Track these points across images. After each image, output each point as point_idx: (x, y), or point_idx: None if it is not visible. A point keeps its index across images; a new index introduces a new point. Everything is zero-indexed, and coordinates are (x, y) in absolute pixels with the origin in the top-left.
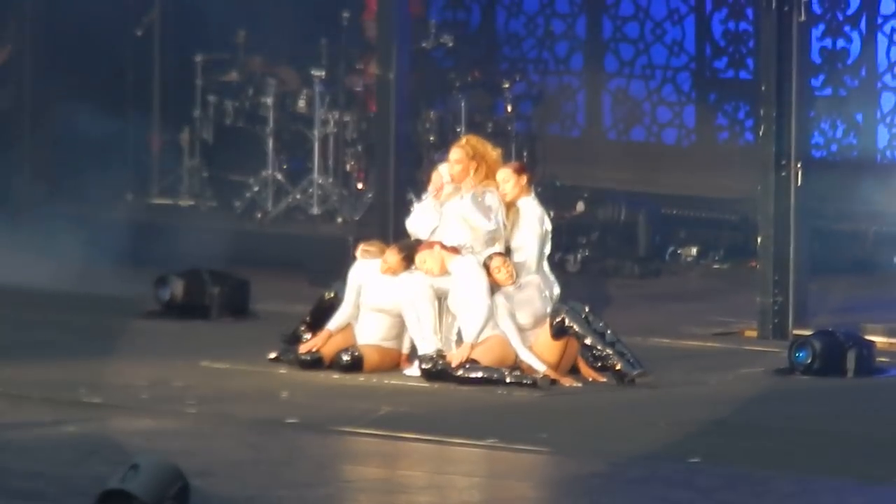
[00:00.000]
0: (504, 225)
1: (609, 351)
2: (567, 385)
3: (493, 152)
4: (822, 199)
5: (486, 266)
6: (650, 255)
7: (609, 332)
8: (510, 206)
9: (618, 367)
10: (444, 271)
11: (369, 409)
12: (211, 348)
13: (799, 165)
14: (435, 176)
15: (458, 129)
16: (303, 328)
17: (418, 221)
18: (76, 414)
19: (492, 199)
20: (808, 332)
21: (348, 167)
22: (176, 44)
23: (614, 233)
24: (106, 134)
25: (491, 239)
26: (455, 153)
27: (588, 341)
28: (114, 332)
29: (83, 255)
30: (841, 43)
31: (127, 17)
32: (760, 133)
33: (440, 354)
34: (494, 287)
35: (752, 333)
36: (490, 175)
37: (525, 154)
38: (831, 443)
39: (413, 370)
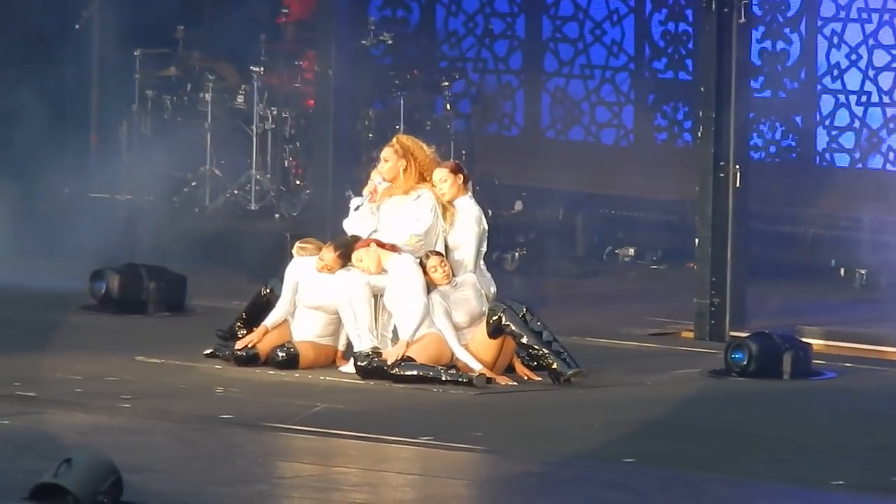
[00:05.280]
0: (442, 226)
1: (545, 350)
2: (503, 384)
3: (426, 150)
4: (761, 202)
5: (423, 265)
6: (588, 256)
7: (546, 331)
8: (447, 206)
9: (554, 366)
10: (381, 269)
11: (304, 405)
12: (147, 343)
13: (737, 167)
14: (373, 175)
15: (397, 127)
16: (239, 324)
17: (356, 225)
18: (10, 408)
19: (426, 200)
20: (744, 334)
21: (286, 163)
22: (115, 38)
23: (552, 232)
24: (44, 127)
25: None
26: (385, 152)
27: (524, 340)
28: (49, 327)
29: (19, 248)
30: (781, 45)
31: (65, 11)
32: (699, 134)
33: (376, 352)
34: (431, 285)
35: (689, 335)
36: (423, 174)
37: (464, 153)
38: (767, 446)
39: (349, 367)
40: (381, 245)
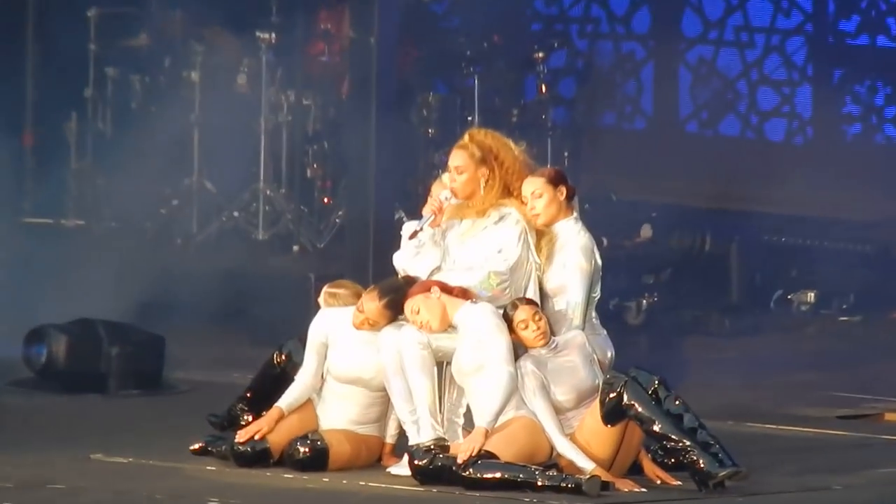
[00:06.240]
0: (535, 261)
1: (687, 441)
2: (625, 490)
3: (514, 151)
4: None
5: (508, 318)
6: (748, 303)
7: (688, 414)
8: (543, 232)
9: (700, 464)
10: (447, 325)
11: None
12: (107, 435)
13: None
14: (435, 189)
15: (470, 119)
16: (242, 406)
17: (411, 261)
18: None
19: (512, 224)
20: None
21: (309, 173)
22: None
23: (695, 269)
24: None
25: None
26: (456, 157)
27: (657, 427)
28: None
29: None
30: None
31: None
32: None
33: (440, 445)
34: (520, 348)
35: (895, 417)
36: (509, 185)
37: (566, 155)
38: None
39: (401, 467)
40: (446, 290)
